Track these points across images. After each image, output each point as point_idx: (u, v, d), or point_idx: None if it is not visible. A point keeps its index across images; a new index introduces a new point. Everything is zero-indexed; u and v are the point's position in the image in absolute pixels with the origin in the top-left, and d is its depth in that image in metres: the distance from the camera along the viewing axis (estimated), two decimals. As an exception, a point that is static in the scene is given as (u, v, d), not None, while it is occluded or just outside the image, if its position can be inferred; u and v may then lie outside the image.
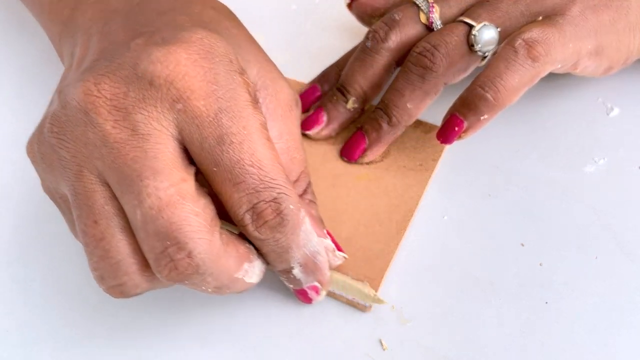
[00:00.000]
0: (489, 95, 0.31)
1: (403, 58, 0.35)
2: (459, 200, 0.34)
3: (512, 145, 0.37)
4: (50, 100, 0.27)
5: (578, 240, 0.32)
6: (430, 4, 0.34)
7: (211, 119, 0.24)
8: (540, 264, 0.32)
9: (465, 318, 0.30)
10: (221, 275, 0.25)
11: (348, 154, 0.35)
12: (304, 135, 0.36)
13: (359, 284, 0.30)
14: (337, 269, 0.31)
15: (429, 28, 0.34)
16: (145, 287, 0.26)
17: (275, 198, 0.25)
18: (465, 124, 0.32)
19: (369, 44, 0.35)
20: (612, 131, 0.37)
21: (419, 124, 0.37)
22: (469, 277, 0.32)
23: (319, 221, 0.30)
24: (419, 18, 0.34)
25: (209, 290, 0.26)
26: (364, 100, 0.36)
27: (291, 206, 0.25)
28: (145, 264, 0.25)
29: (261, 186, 0.24)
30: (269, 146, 0.25)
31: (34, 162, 0.27)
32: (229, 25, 0.29)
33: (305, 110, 0.38)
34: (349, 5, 0.40)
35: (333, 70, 0.38)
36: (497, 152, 0.36)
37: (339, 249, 0.30)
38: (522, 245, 0.33)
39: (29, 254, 0.34)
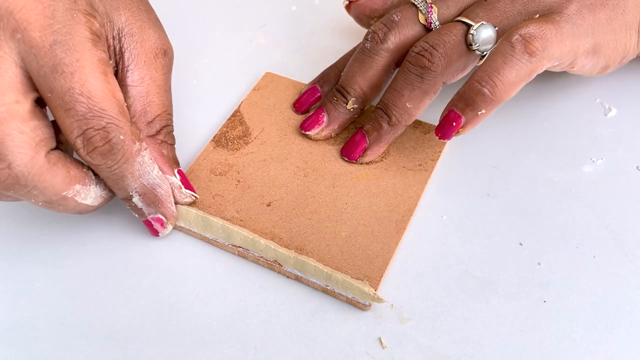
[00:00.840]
0: (486, 90, 0.31)
1: (402, 58, 0.35)
2: (458, 200, 0.35)
3: (510, 145, 0.37)
4: None
5: (576, 240, 0.33)
6: (429, 5, 0.34)
7: (46, 50, 0.26)
8: (539, 264, 0.32)
9: (465, 317, 0.30)
10: (46, 191, 0.28)
11: (348, 153, 0.35)
12: (305, 135, 0.37)
13: (359, 282, 0.30)
14: (337, 268, 0.31)
15: (427, 28, 0.35)
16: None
17: (104, 127, 0.27)
18: (463, 119, 0.32)
19: (368, 45, 0.35)
20: (610, 131, 0.37)
21: (418, 124, 0.37)
22: (468, 276, 0.32)
23: (169, 160, 0.32)
24: (418, 19, 0.34)
25: (40, 203, 0.28)
26: (364, 100, 0.36)
27: (121, 137, 0.28)
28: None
29: (89, 114, 0.27)
30: (104, 80, 0.27)
31: None
32: None
33: (305, 111, 0.38)
34: (347, 7, 0.40)
35: (333, 71, 0.38)
36: (495, 152, 0.36)
37: (189, 188, 0.33)
38: (521, 244, 0.33)
39: (31, 253, 0.34)
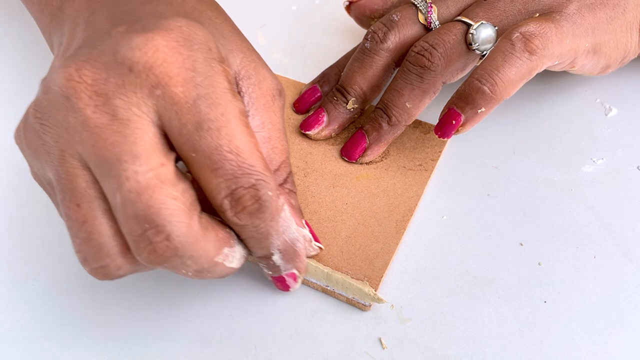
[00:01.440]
0: (486, 88, 0.31)
1: (402, 58, 0.35)
2: (458, 200, 0.34)
3: (510, 145, 0.37)
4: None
5: (577, 240, 0.33)
6: (429, 4, 0.34)
7: (189, 106, 0.24)
8: (539, 264, 0.32)
9: (465, 317, 0.30)
10: (201, 259, 0.25)
11: (348, 153, 0.35)
12: (305, 135, 0.37)
13: (359, 283, 0.30)
14: (337, 268, 0.31)
15: (427, 28, 0.35)
16: (128, 270, 0.26)
17: (254, 184, 0.25)
18: (463, 118, 0.32)
19: (368, 44, 0.35)
20: (610, 132, 0.37)
21: (418, 124, 0.37)
22: (468, 276, 0.32)
23: (298, 210, 0.30)
24: (418, 18, 0.34)
25: (190, 273, 0.26)
26: (364, 100, 0.36)
27: (269, 193, 0.25)
28: (127, 247, 0.25)
29: (239, 172, 0.24)
30: (248, 133, 0.25)
31: (21, 149, 0.27)
32: (212, 15, 0.30)
33: (305, 110, 0.38)
34: (347, 8, 0.40)
35: (333, 71, 0.38)
36: (496, 152, 0.36)
37: (316, 240, 0.31)
38: (521, 244, 0.33)
39: (30, 253, 0.34)
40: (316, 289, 0.32)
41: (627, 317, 0.30)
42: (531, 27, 0.31)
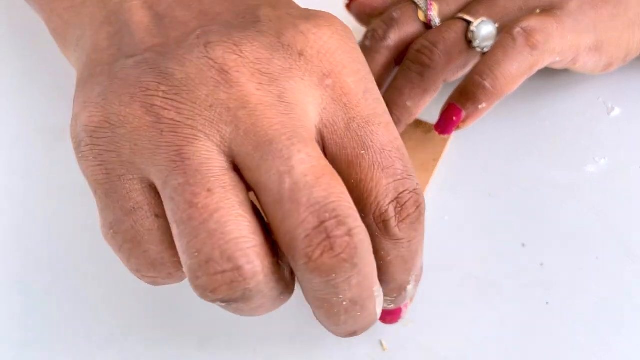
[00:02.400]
0: (487, 84, 0.31)
1: (402, 57, 0.35)
2: (460, 201, 0.34)
3: (512, 145, 0.37)
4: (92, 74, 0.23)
5: (579, 241, 0.32)
6: (429, 2, 0.34)
7: (359, 98, 0.22)
8: (541, 264, 0.32)
9: (466, 319, 0.30)
10: (366, 279, 0.21)
11: None
12: None
13: None
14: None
15: (427, 26, 0.34)
16: (259, 283, 0.20)
17: (415, 188, 0.22)
18: (464, 114, 0.32)
19: (368, 42, 0.35)
20: (613, 131, 0.37)
21: (419, 124, 0.37)
22: (470, 277, 0.31)
23: None
24: (417, 16, 0.34)
25: (344, 302, 0.21)
26: None
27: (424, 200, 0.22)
28: (267, 251, 0.20)
29: (406, 173, 0.22)
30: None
31: (85, 138, 0.22)
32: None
33: None
34: (348, 6, 0.40)
35: None
36: (497, 152, 0.36)
37: None
38: (523, 245, 0.33)
39: (31, 253, 0.34)
40: (316, 290, 0.31)
41: (630, 318, 0.30)
42: (532, 23, 0.31)
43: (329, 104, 0.22)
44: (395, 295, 0.25)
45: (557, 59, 0.32)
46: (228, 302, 0.20)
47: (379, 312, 0.23)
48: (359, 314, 0.22)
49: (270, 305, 0.23)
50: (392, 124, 0.22)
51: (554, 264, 0.32)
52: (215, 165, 0.20)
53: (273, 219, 0.20)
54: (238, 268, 0.19)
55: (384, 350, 0.30)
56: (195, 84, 0.21)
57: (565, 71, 0.37)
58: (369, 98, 0.22)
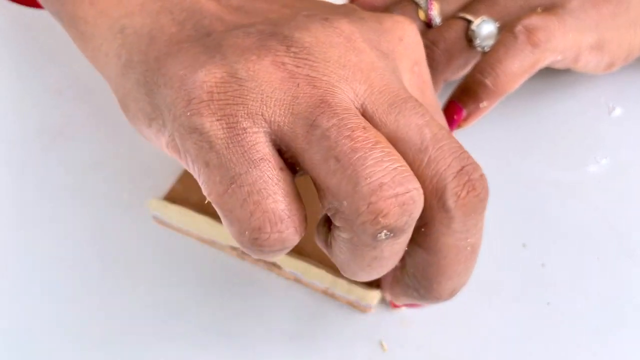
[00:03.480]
0: (488, 82, 0.31)
1: None
2: (460, 201, 0.34)
3: (513, 144, 0.36)
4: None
5: (580, 241, 0.32)
6: (429, 1, 0.34)
7: (431, 89, 0.26)
8: (542, 265, 0.32)
9: (467, 319, 0.30)
10: (483, 226, 0.23)
11: None
12: None
13: (365, 287, 0.30)
14: (337, 269, 0.31)
15: (428, 25, 0.34)
16: (419, 210, 0.21)
17: (476, 166, 0.22)
18: (465, 112, 0.32)
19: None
20: (615, 131, 0.37)
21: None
22: (471, 278, 0.31)
23: None
24: (418, 15, 0.34)
25: (468, 246, 0.23)
26: None
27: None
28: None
29: (461, 149, 0.22)
30: None
31: (212, 93, 0.22)
32: None
33: None
34: None
35: None
36: (498, 151, 0.36)
37: None
38: (524, 245, 0.32)
39: (30, 252, 0.34)
40: (316, 291, 0.31)
41: (632, 319, 0.30)
42: (534, 21, 0.31)
43: (412, 89, 0.24)
44: (449, 294, 0.25)
45: (559, 57, 0.32)
46: (393, 230, 0.21)
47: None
48: (470, 265, 0.24)
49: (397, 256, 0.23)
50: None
51: (555, 264, 0.32)
52: (354, 111, 0.21)
53: (417, 166, 0.21)
54: (409, 191, 0.20)
55: (384, 350, 0.29)
56: (326, 46, 0.22)
57: (566, 71, 0.37)
58: (433, 92, 0.26)
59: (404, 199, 0.20)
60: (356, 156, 0.20)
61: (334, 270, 0.31)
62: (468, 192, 0.21)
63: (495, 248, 0.32)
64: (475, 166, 0.22)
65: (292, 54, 0.22)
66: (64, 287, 0.32)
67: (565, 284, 0.31)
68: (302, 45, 0.22)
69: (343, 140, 0.20)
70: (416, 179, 0.21)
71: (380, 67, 0.23)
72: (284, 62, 0.22)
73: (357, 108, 0.22)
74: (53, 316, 0.31)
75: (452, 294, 0.25)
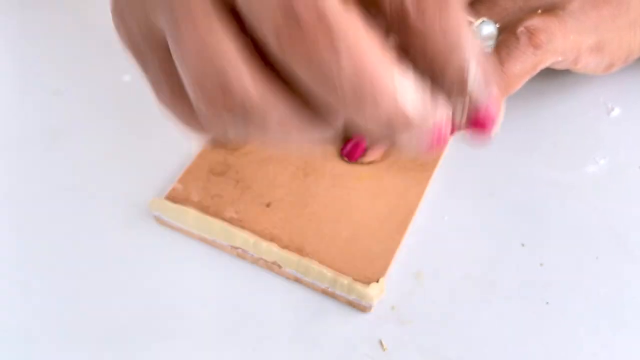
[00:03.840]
0: None
1: None
2: (460, 201, 0.34)
3: (512, 145, 0.37)
4: None
5: (579, 240, 0.32)
6: None
7: None
8: (541, 264, 0.32)
9: (466, 318, 0.30)
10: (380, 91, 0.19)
11: (349, 154, 0.35)
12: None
13: (364, 286, 0.30)
14: (338, 269, 0.31)
15: None
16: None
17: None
18: None
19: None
20: (614, 131, 0.37)
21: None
22: (470, 277, 0.31)
23: None
24: None
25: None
26: None
27: None
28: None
29: None
30: None
31: (120, 16, 0.22)
32: None
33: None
34: None
35: None
36: (497, 152, 0.36)
37: None
38: (523, 245, 0.33)
39: (30, 253, 0.34)
40: (316, 290, 0.31)
41: (631, 318, 0.30)
42: (536, 22, 0.31)
43: None
44: (460, 87, 0.20)
45: (560, 58, 0.32)
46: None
47: (409, 109, 0.19)
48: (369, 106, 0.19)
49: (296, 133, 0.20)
50: None
51: (554, 263, 0.32)
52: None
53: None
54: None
55: (383, 349, 0.29)
56: None
57: (566, 72, 0.37)
58: None
59: None
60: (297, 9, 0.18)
61: (334, 269, 0.31)
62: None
63: (494, 247, 0.32)
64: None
65: None
66: (65, 286, 0.32)
67: (564, 284, 0.31)
68: None
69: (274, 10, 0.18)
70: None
71: None
72: None
73: None
74: (54, 316, 0.31)
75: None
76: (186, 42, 0.19)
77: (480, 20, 0.32)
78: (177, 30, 0.20)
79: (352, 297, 0.30)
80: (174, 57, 0.20)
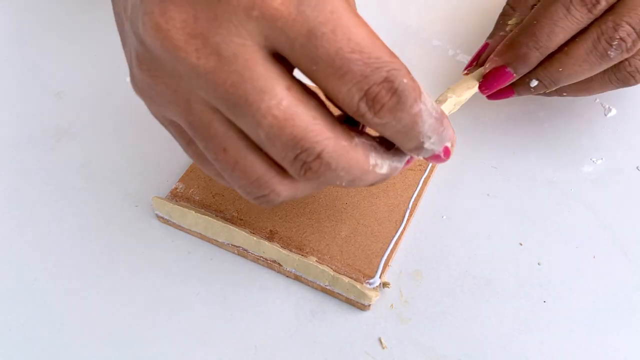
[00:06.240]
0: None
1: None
2: (458, 200, 0.34)
3: (510, 145, 0.37)
4: (122, 26, 0.26)
5: (576, 240, 0.33)
6: None
7: (294, 16, 0.21)
8: (539, 264, 0.32)
9: (464, 317, 0.30)
10: (352, 169, 0.24)
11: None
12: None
13: (364, 288, 0.30)
14: (337, 268, 0.31)
15: None
16: (288, 194, 0.26)
17: (386, 77, 0.22)
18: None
19: (612, 53, 0.31)
20: (610, 132, 0.37)
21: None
22: (468, 276, 0.32)
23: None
24: None
25: (343, 183, 0.25)
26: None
27: (404, 80, 0.23)
28: (282, 172, 0.25)
29: (368, 70, 0.22)
30: (362, 23, 0.22)
31: (139, 94, 0.25)
32: None
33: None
34: None
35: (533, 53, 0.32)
36: (495, 152, 0.36)
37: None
38: (521, 244, 0.33)
39: (30, 252, 0.34)
40: (316, 289, 0.32)
41: (627, 317, 0.30)
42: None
43: (268, 32, 0.22)
44: (417, 152, 0.26)
45: None
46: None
47: (385, 172, 0.26)
48: (362, 182, 0.25)
49: (307, 191, 0.26)
50: (342, 25, 0.22)
51: (552, 263, 0.32)
52: (218, 125, 0.24)
53: (267, 153, 0.24)
54: (266, 195, 0.25)
55: (383, 348, 0.30)
56: (159, 61, 0.23)
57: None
58: (305, 11, 0.21)
59: (266, 199, 0.25)
60: (226, 174, 0.25)
61: (333, 268, 0.31)
62: (306, 172, 0.24)
63: (492, 247, 0.33)
64: (310, 151, 0.23)
65: (146, 72, 0.24)
66: (68, 284, 0.32)
67: (562, 283, 0.31)
68: (146, 62, 0.23)
69: (215, 163, 0.25)
70: (275, 181, 0.25)
71: (201, 71, 0.22)
72: (146, 81, 0.24)
73: (217, 111, 0.23)
74: (56, 313, 0.31)
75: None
76: (220, 162, 0.24)
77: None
78: (209, 152, 0.25)
79: (351, 296, 0.30)
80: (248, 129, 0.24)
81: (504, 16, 0.35)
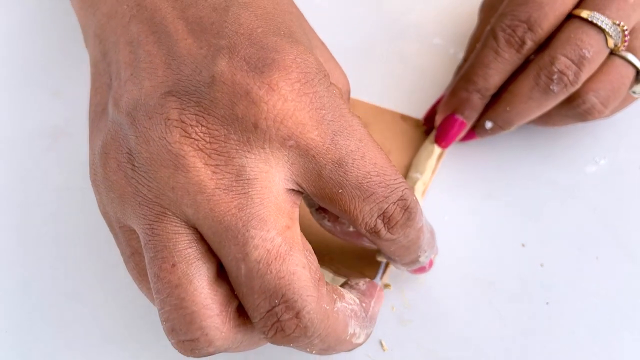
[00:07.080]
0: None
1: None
2: (460, 201, 0.34)
3: (512, 145, 0.37)
4: (96, 112, 0.25)
5: (579, 241, 0.32)
6: (625, 34, 0.30)
7: (328, 146, 0.22)
8: (541, 265, 0.32)
9: (466, 319, 0.30)
10: (328, 338, 0.23)
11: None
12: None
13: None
14: (337, 269, 0.31)
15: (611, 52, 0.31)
16: (221, 346, 0.22)
17: (401, 196, 0.23)
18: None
19: (555, 88, 0.30)
20: (613, 131, 0.37)
21: (419, 124, 0.37)
22: (470, 277, 0.31)
23: None
24: (607, 45, 0.30)
25: (313, 351, 0.23)
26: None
27: (414, 198, 0.24)
28: (226, 315, 0.22)
29: (388, 191, 0.23)
30: (379, 147, 0.24)
31: (96, 187, 0.24)
32: (289, 9, 0.26)
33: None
34: None
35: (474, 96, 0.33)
36: (497, 152, 0.36)
37: None
38: (523, 245, 0.33)
39: (29, 254, 0.34)
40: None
41: (630, 318, 0.30)
42: None
43: (296, 159, 0.22)
44: (411, 265, 0.28)
45: None
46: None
47: (361, 341, 0.25)
48: (334, 352, 0.24)
49: (250, 347, 0.24)
50: (369, 151, 0.23)
51: (554, 264, 0.32)
52: (182, 239, 0.22)
53: (237, 293, 0.22)
54: (194, 340, 0.22)
55: (384, 350, 0.29)
56: (158, 165, 0.22)
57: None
58: (339, 141, 0.22)
59: (192, 344, 0.22)
60: (159, 297, 0.22)
61: (333, 269, 0.31)
62: (276, 333, 0.22)
63: (495, 248, 0.32)
64: (290, 304, 0.21)
65: (132, 166, 0.23)
66: (66, 285, 0.32)
67: (564, 284, 0.31)
68: (140, 159, 0.22)
69: (153, 279, 0.22)
70: (212, 322, 0.22)
71: (210, 186, 0.21)
72: (127, 174, 0.23)
73: (190, 228, 0.22)
74: (54, 315, 0.31)
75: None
76: (159, 281, 0.22)
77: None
78: (152, 264, 0.23)
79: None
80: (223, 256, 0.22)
81: (459, 68, 0.35)
